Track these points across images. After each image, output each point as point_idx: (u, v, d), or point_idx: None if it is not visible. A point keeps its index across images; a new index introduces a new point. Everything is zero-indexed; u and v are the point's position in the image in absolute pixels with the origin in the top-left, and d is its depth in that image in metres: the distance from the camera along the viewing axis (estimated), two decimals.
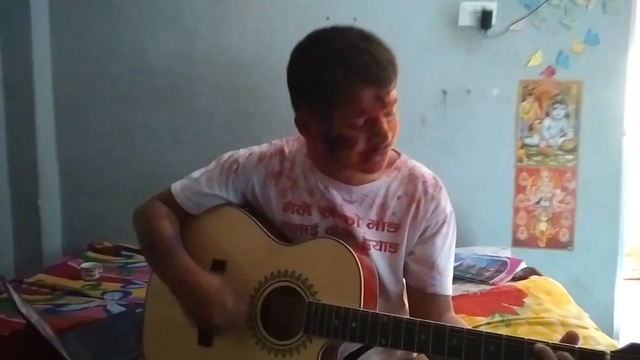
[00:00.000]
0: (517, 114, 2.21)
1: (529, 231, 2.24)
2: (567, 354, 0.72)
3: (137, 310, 1.45)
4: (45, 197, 2.32)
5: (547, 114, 2.19)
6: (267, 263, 0.94)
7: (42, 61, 2.28)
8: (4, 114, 2.25)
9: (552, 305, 1.58)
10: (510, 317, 1.52)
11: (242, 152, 1.03)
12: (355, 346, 0.94)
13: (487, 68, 2.19)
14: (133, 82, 2.33)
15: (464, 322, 0.95)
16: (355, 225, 0.95)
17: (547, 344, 0.74)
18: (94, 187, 2.39)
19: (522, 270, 1.91)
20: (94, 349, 1.32)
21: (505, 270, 1.88)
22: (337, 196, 0.96)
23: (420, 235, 0.96)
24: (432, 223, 0.96)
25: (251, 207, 1.02)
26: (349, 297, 0.86)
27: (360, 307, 0.85)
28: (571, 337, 0.75)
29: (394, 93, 0.87)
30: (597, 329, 1.47)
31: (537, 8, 2.12)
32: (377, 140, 0.88)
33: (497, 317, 1.52)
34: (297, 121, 0.93)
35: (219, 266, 0.98)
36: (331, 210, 0.95)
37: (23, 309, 1.21)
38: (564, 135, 2.20)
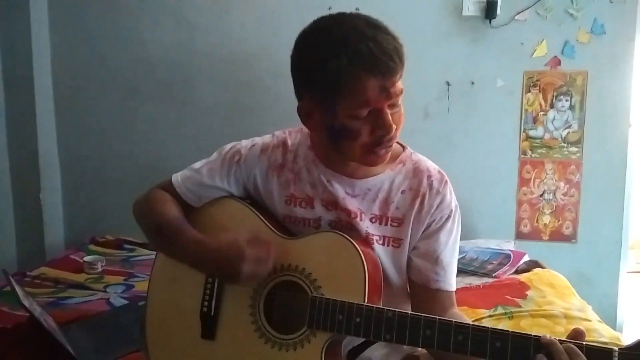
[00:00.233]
0: (522, 105, 2.19)
1: (533, 224, 2.23)
2: (574, 346, 0.71)
3: (140, 303, 1.44)
4: (47, 191, 2.32)
5: (552, 106, 2.18)
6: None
7: (41, 54, 2.27)
8: (4, 107, 2.24)
9: (555, 297, 1.58)
10: (513, 309, 1.51)
11: (245, 143, 1.01)
12: (359, 340, 0.94)
13: (491, 59, 2.16)
14: (134, 75, 2.32)
15: (467, 318, 0.93)
16: (357, 219, 0.94)
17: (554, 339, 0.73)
18: (95, 181, 2.38)
19: (525, 263, 1.91)
20: (97, 342, 1.32)
21: (509, 263, 1.87)
22: (339, 189, 0.94)
23: (424, 230, 0.94)
24: (437, 218, 0.94)
25: (252, 199, 1.00)
26: (353, 291, 0.85)
27: (364, 301, 0.84)
28: (577, 334, 0.74)
29: (400, 84, 0.85)
30: (600, 322, 1.47)
31: None
32: (380, 132, 0.86)
33: (500, 310, 1.51)
34: (300, 110, 0.91)
35: None
36: (334, 204, 0.94)
37: (26, 302, 1.21)
38: (568, 127, 2.18)
